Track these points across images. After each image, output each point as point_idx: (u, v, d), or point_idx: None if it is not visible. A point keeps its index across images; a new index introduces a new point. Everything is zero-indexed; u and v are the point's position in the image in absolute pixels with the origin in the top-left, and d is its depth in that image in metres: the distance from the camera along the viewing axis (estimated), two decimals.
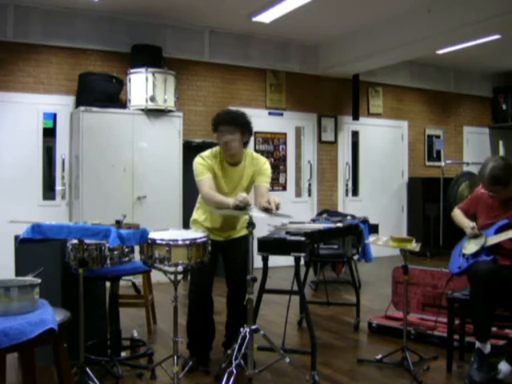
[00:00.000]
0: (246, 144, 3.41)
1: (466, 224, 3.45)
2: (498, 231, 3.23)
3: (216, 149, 3.44)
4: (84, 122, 5.92)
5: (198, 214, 3.53)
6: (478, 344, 3.07)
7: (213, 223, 3.44)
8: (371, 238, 3.72)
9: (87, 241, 3.01)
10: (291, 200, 7.93)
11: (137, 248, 3.15)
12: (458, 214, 3.58)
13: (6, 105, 6.05)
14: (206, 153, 3.43)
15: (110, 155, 6.05)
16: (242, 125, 3.32)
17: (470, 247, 3.31)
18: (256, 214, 2.95)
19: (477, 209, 3.50)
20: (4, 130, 6.03)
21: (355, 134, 8.65)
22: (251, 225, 2.90)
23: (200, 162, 3.37)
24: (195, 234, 3.16)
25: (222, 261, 3.54)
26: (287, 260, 3.18)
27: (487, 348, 3.04)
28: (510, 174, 3.19)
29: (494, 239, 3.22)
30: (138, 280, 4.53)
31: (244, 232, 3.36)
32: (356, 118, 8.26)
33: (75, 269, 3.05)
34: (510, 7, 5.39)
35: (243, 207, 3.04)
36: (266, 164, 3.47)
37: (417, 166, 9.17)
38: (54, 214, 6.01)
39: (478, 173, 3.33)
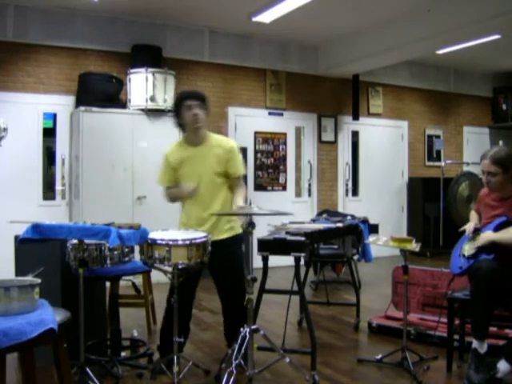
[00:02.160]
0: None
1: (468, 225, 3.50)
2: (498, 228, 3.23)
3: (180, 139, 3.59)
4: (84, 122, 5.92)
5: (183, 217, 3.54)
6: (474, 344, 3.07)
7: (190, 220, 3.43)
8: (371, 238, 3.72)
9: (87, 241, 3.01)
10: (291, 200, 7.93)
11: (137, 248, 3.15)
12: (471, 215, 3.65)
13: (6, 105, 6.04)
14: (173, 146, 3.53)
15: (110, 155, 6.05)
16: (206, 101, 3.43)
17: (469, 249, 3.32)
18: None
19: (480, 208, 3.53)
20: None
21: (355, 134, 8.64)
22: (251, 224, 2.90)
23: (163, 162, 3.50)
24: (195, 233, 3.15)
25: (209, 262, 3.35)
26: (287, 260, 3.18)
27: (484, 347, 3.04)
28: (510, 161, 3.23)
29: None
30: (138, 280, 4.53)
31: (231, 233, 3.36)
32: (356, 117, 8.25)
33: (75, 269, 3.05)
34: (510, 7, 5.39)
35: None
36: (234, 147, 3.44)
37: (417, 166, 9.17)
38: (54, 214, 6.00)
39: (481, 156, 3.36)
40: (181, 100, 3.41)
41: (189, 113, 3.34)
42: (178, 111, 3.42)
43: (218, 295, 3.51)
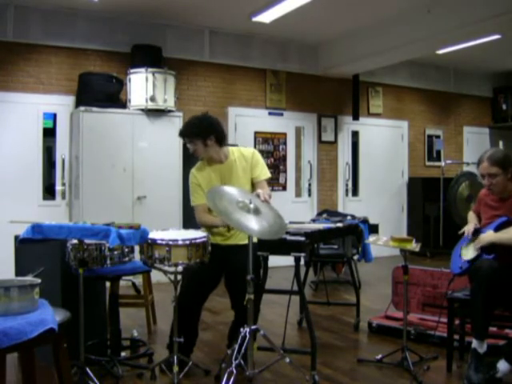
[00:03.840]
0: (220, 142, 3.38)
1: (467, 226, 3.50)
2: (499, 228, 3.23)
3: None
4: (84, 122, 5.92)
5: None
6: (474, 344, 3.07)
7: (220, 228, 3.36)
8: (371, 238, 3.72)
9: (87, 241, 3.01)
10: (291, 200, 7.93)
11: (137, 248, 3.15)
12: (469, 216, 3.64)
13: (6, 105, 6.04)
14: (198, 164, 3.47)
15: (110, 155, 6.05)
16: (197, 133, 3.33)
17: (469, 253, 3.31)
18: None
19: (480, 209, 3.53)
20: (4, 130, 6.03)
21: (355, 134, 8.65)
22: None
23: (191, 180, 3.42)
24: (195, 233, 3.16)
25: (227, 266, 3.37)
26: (287, 260, 3.18)
27: (483, 347, 3.04)
28: (508, 160, 3.25)
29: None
30: (138, 280, 4.53)
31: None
32: (356, 118, 8.25)
33: (75, 269, 3.05)
34: (510, 7, 5.38)
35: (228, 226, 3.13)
36: (255, 153, 3.46)
37: (417, 166, 9.18)
38: (54, 214, 6.01)
39: (479, 157, 3.36)
40: None
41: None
42: None
43: (231, 301, 3.46)
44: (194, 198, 3.41)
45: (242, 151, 3.48)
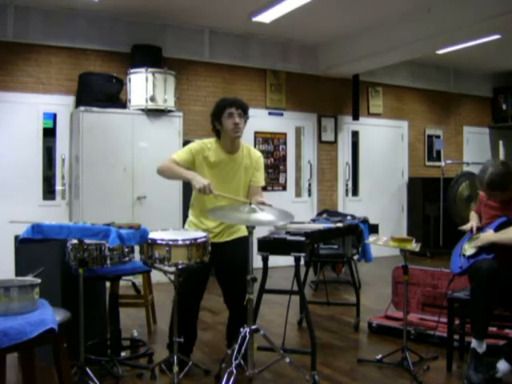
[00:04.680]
0: None
1: (468, 224, 3.52)
2: (499, 228, 3.24)
3: (215, 139, 3.41)
4: (84, 122, 5.92)
5: (192, 216, 3.48)
6: (473, 344, 3.07)
7: (208, 223, 3.36)
8: (371, 238, 3.72)
9: (87, 241, 3.01)
10: (291, 200, 7.93)
11: (137, 248, 3.15)
12: (471, 216, 3.66)
13: (6, 105, 6.04)
14: (211, 142, 3.40)
15: (110, 155, 6.05)
16: (246, 112, 3.36)
17: (470, 249, 3.32)
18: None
19: (480, 209, 3.54)
20: (4, 129, 6.03)
21: (355, 134, 8.65)
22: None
23: (193, 147, 3.34)
24: (195, 233, 3.15)
25: (217, 262, 3.35)
26: (287, 260, 3.18)
27: (483, 347, 3.04)
28: (508, 179, 3.25)
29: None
30: (138, 280, 4.53)
31: (243, 233, 3.33)
32: (356, 118, 8.25)
33: (75, 269, 3.05)
34: (510, 7, 5.39)
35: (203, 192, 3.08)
36: (261, 158, 3.51)
37: (417, 166, 9.17)
38: (54, 214, 6.01)
39: (477, 177, 3.39)
40: (223, 107, 3.30)
41: (230, 121, 3.27)
42: (217, 117, 3.31)
43: (224, 296, 3.48)
44: (181, 153, 3.35)
45: (251, 151, 3.49)
